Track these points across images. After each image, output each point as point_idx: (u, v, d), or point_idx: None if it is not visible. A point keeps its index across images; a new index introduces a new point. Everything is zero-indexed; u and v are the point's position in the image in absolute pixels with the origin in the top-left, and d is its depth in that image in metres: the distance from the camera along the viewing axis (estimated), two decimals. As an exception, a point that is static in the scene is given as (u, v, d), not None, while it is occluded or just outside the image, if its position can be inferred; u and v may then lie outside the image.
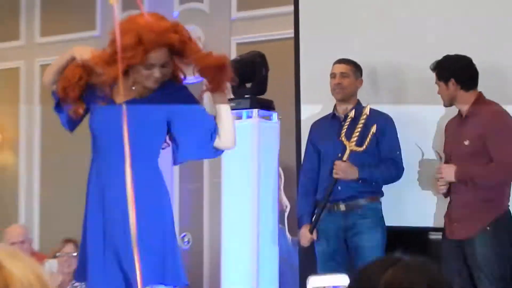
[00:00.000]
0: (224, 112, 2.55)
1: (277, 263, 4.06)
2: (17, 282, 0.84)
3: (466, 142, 3.53)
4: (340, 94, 3.80)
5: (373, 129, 3.60)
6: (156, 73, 2.41)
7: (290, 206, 4.50)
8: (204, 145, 2.61)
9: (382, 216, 3.82)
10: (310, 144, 3.96)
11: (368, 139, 3.58)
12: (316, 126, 3.93)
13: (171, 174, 4.78)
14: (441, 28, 3.92)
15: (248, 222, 4.02)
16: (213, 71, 2.48)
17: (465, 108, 3.55)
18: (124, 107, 2.38)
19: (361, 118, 3.64)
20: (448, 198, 3.64)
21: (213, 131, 2.58)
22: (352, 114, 3.69)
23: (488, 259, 3.39)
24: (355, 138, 3.59)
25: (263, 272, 3.93)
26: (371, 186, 3.83)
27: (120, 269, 2.50)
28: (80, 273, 2.64)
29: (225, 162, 4.14)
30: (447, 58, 3.50)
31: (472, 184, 3.54)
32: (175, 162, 2.66)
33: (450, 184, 3.62)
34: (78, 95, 2.48)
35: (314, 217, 3.80)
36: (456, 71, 3.51)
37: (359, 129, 3.61)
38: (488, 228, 3.45)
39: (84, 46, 2.64)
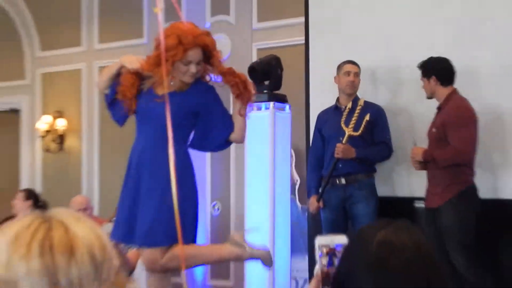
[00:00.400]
0: (241, 117, 2.81)
1: (289, 227, 4.51)
2: (81, 241, 0.90)
3: (434, 129, 3.99)
4: (352, 89, 4.19)
5: (367, 117, 4.03)
6: (193, 68, 2.66)
7: (300, 180, 4.96)
8: (219, 138, 2.88)
9: (375, 189, 4.23)
10: (317, 130, 4.35)
11: (362, 126, 4.02)
12: (322, 115, 4.36)
13: (205, 155, 5.31)
14: (427, 37, 4.34)
15: (266, 193, 4.48)
16: (238, 86, 2.76)
17: (441, 101, 3.98)
18: (166, 97, 2.59)
19: (357, 108, 4.07)
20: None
21: (230, 129, 2.85)
22: (349, 105, 4.11)
23: (452, 226, 3.77)
24: (352, 125, 4.04)
25: (278, 234, 4.39)
26: (366, 164, 4.23)
27: (133, 217, 2.73)
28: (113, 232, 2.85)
29: (248, 145, 4.56)
30: (430, 59, 3.94)
31: (433, 162, 3.94)
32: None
33: (422, 163, 4.03)
34: (133, 96, 2.75)
35: (320, 189, 4.21)
36: (437, 70, 3.93)
37: (355, 118, 4.06)
38: (453, 199, 3.83)
39: (130, 56, 2.90)
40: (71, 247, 0.88)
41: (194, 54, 2.69)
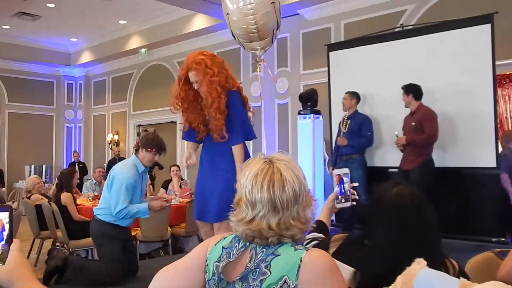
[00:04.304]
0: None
1: (323, 185, 6.32)
2: (288, 180, 1.27)
3: (413, 123, 5.26)
4: (344, 107, 5.89)
5: (348, 121, 5.79)
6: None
7: (328, 158, 6.91)
8: (238, 135, 3.27)
9: (365, 162, 5.81)
10: (338, 128, 6.05)
11: (347, 126, 5.79)
12: (340, 121, 6.10)
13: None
14: (407, 73, 5.76)
15: (310, 170, 6.08)
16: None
17: (413, 108, 5.33)
18: None
19: (346, 116, 5.87)
20: (402, 153, 5.46)
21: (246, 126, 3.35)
22: (348, 115, 5.89)
23: (419, 181, 4.84)
24: (344, 126, 5.91)
25: (317, 189, 6.12)
26: (356, 148, 5.83)
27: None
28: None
29: (299, 140, 6.49)
30: (410, 84, 5.33)
31: (413, 143, 5.19)
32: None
33: (403, 145, 5.32)
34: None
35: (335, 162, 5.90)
36: (414, 90, 5.32)
37: (348, 122, 5.86)
38: (421, 165, 5.16)
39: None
40: (283, 184, 1.28)
41: (192, 77, 3.22)
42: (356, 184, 2.07)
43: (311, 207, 1.34)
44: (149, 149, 4.13)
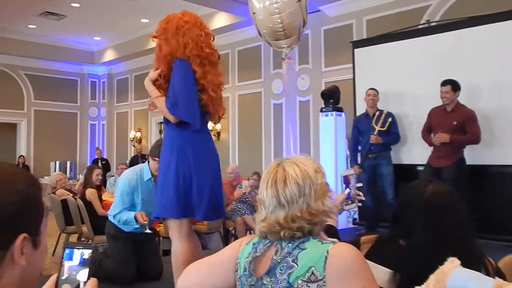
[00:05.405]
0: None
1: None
2: (290, 175, 1.30)
3: (455, 122, 5.11)
4: (370, 103, 5.78)
5: (390, 119, 5.71)
6: None
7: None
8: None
9: (391, 159, 5.77)
10: (354, 127, 5.92)
11: (387, 124, 5.67)
12: (356, 118, 6.05)
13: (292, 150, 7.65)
14: (434, 70, 5.70)
15: (332, 168, 5.98)
16: None
17: (453, 106, 5.14)
18: None
19: (383, 114, 5.75)
20: (431, 148, 5.27)
21: None
22: (377, 113, 5.80)
23: (452, 179, 4.72)
24: (380, 124, 5.71)
25: (339, 187, 6.11)
26: (386, 145, 5.76)
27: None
28: None
29: (321, 138, 6.51)
30: (455, 80, 5.12)
31: (458, 143, 5.01)
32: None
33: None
34: None
35: (360, 160, 5.75)
36: (459, 87, 5.18)
37: (382, 120, 5.70)
38: (454, 162, 5.09)
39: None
40: (284, 179, 1.33)
41: None
42: (360, 184, 2.05)
43: (324, 198, 1.34)
44: (155, 158, 3.72)
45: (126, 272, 3.85)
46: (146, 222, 3.78)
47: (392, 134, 5.76)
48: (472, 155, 5.42)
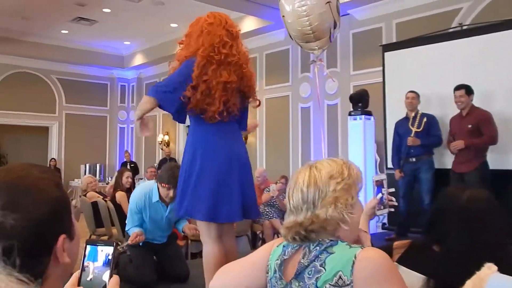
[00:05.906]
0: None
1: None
2: (315, 177, 1.33)
3: (469, 126, 5.08)
4: (410, 106, 5.59)
5: (424, 119, 5.50)
6: None
7: (379, 159, 6.85)
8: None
9: (434, 163, 5.50)
10: (395, 131, 5.77)
11: (422, 125, 5.48)
12: (397, 122, 5.81)
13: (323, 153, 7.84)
14: (465, 73, 5.61)
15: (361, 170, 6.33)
16: None
17: (468, 110, 5.16)
18: None
19: (418, 115, 5.59)
20: (454, 155, 5.29)
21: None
22: (413, 115, 5.60)
23: (475, 184, 4.69)
24: (416, 125, 5.53)
25: (369, 191, 5.31)
26: (427, 148, 5.49)
27: None
28: None
29: (350, 141, 6.43)
30: (467, 85, 5.16)
31: (473, 147, 4.97)
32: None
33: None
34: None
35: (400, 164, 5.58)
36: (473, 91, 5.19)
37: (417, 121, 5.53)
38: (476, 167, 5.05)
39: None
40: (308, 182, 1.36)
41: None
42: (392, 189, 2.02)
43: (334, 205, 1.31)
44: (162, 184, 3.69)
45: (145, 276, 3.89)
46: (134, 242, 3.82)
47: (432, 136, 5.61)
48: (495, 160, 5.29)
